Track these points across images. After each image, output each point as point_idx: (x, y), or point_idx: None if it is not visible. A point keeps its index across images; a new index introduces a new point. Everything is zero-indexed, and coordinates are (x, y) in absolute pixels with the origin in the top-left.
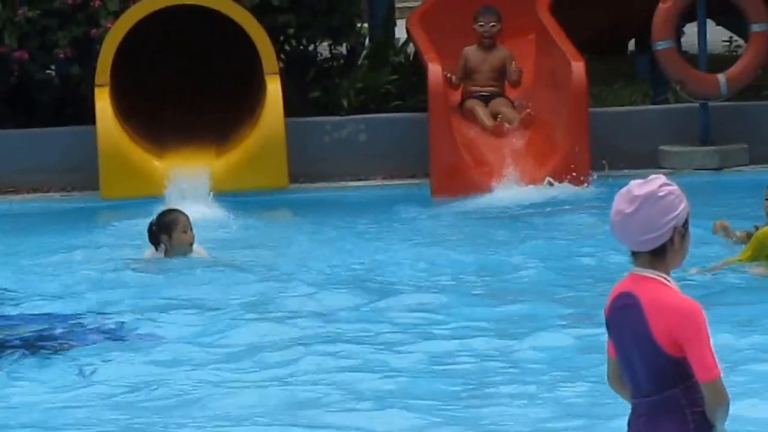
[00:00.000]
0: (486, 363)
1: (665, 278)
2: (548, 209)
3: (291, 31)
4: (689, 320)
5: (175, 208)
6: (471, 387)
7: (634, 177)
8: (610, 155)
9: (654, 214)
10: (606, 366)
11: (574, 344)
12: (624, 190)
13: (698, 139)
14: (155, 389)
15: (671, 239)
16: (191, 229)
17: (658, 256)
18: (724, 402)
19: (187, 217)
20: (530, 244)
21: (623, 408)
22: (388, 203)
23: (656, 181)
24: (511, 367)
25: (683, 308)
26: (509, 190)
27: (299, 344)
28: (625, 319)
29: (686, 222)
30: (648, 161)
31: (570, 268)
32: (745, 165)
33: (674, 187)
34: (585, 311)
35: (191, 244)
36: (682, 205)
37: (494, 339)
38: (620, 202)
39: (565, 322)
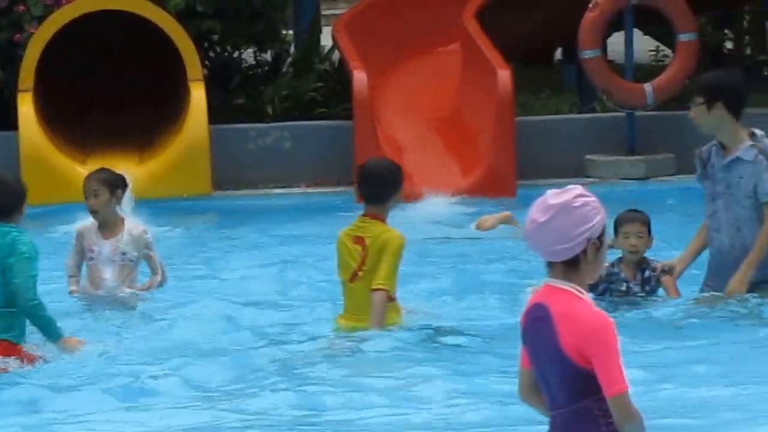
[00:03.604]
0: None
1: (578, 290)
2: (473, 219)
3: (215, 37)
4: (597, 334)
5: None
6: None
7: (560, 187)
8: (536, 165)
9: (567, 225)
10: (518, 378)
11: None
12: (540, 199)
13: (624, 148)
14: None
15: (585, 251)
16: None
17: (572, 267)
18: (632, 419)
19: None
20: (455, 257)
21: None
22: (311, 211)
23: (572, 192)
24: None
25: (592, 322)
26: (435, 200)
27: (216, 356)
28: (538, 331)
29: (602, 235)
30: (574, 171)
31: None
32: (672, 175)
33: (591, 199)
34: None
35: None
36: (598, 218)
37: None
38: (535, 211)
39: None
